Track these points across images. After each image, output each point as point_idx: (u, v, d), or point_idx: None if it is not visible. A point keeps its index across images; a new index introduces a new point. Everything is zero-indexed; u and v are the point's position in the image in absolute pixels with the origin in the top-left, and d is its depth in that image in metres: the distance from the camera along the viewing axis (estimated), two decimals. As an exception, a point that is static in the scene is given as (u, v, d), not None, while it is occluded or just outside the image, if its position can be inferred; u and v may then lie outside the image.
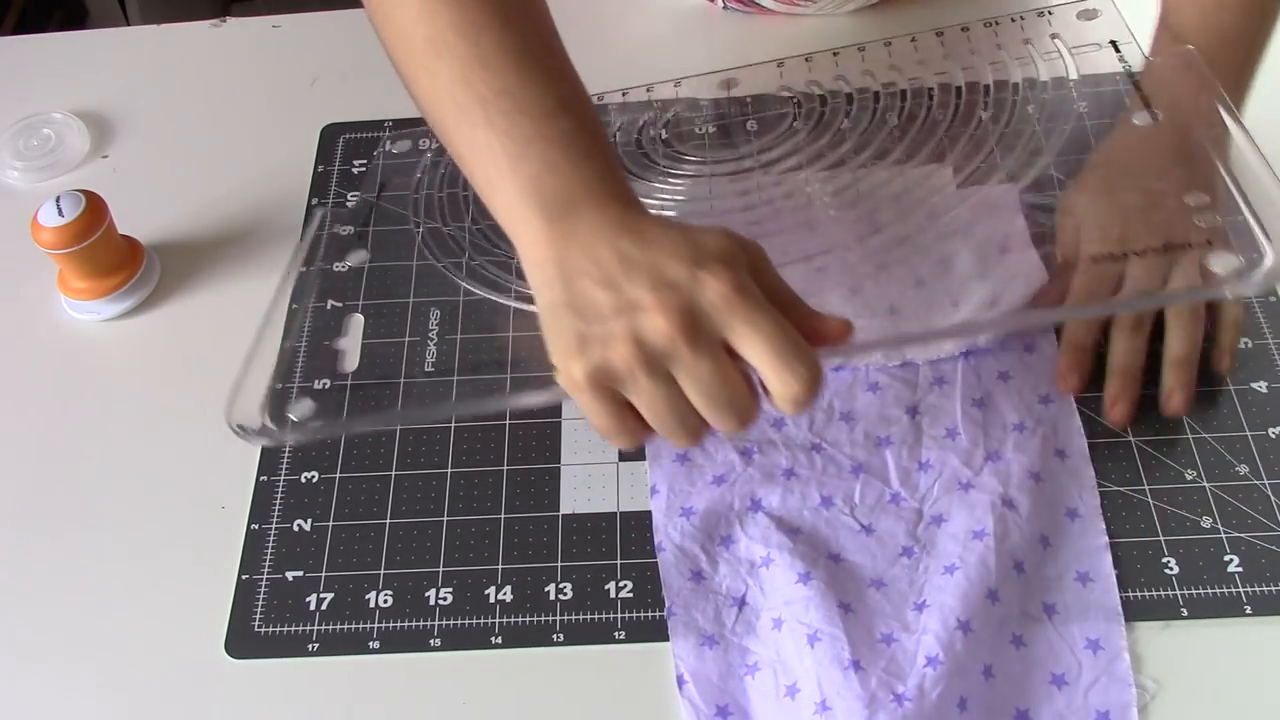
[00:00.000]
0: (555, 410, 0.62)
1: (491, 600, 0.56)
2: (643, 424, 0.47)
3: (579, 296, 0.46)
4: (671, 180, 0.70)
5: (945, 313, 0.63)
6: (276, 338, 0.61)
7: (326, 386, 0.63)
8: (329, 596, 0.56)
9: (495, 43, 0.51)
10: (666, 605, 0.55)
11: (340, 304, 0.67)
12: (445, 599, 0.56)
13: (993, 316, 0.59)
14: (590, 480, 0.59)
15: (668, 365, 0.45)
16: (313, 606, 0.56)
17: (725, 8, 0.81)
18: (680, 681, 0.52)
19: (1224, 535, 0.55)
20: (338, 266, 0.69)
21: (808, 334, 0.45)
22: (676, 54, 0.79)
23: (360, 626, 0.55)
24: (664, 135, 0.72)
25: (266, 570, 0.57)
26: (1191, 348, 0.59)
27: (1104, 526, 0.55)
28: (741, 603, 0.54)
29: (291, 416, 0.58)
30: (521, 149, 0.49)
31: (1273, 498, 0.56)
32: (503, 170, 0.50)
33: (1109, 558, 0.55)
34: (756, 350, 0.44)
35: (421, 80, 0.53)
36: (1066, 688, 0.51)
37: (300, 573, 0.57)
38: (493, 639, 0.55)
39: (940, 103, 0.71)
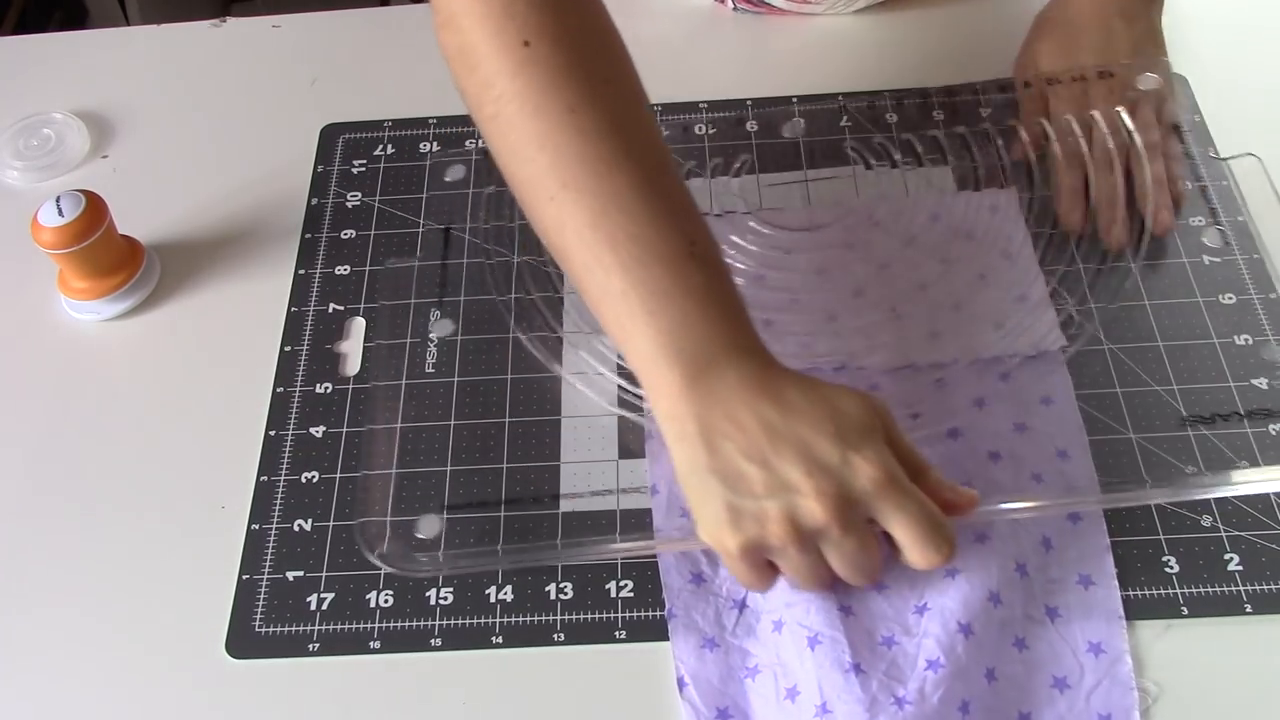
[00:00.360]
0: (555, 409, 0.62)
1: (492, 600, 0.56)
2: (776, 570, 0.51)
3: (726, 464, 0.48)
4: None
5: (945, 316, 0.63)
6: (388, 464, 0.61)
7: (328, 390, 0.64)
8: (329, 596, 0.56)
9: (627, 182, 0.51)
10: (667, 607, 0.54)
11: (341, 307, 0.67)
12: (446, 599, 0.56)
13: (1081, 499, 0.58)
14: (590, 478, 0.59)
15: (817, 540, 0.48)
16: (313, 606, 0.56)
17: (735, 9, 0.81)
18: (681, 684, 0.52)
19: (1224, 534, 0.55)
20: (339, 269, 0.69)
21: (941, 505, 0.49)
22: (687, 57, 0.79)
23: (360, 626, 0.55)
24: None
25: (267, 570, 0.57)
26: (1159, 172, 0.66)
27: (1105, 528, 0.55)
28: (742, 605, 0.54)
29: (419, 535, 0.58)
30: (658, 301, 0.49)
31: (1273, 496, 0.56)
32: (637, 320, 0.50)
33: (1111, 559, 0.55)
34: (903, 530, 0.48)
35: (547, 211, 0.52)
36: (1068, 691, 0.51)
37: (301, 573, 0.57)
38: (493, 639, 0.55)
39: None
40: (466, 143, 0.74)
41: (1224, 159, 0.69)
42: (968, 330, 0.62)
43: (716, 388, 0.49)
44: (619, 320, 0.50)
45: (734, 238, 0.67)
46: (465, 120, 0.75)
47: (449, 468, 0.60)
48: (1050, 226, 0.66)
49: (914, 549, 0.48)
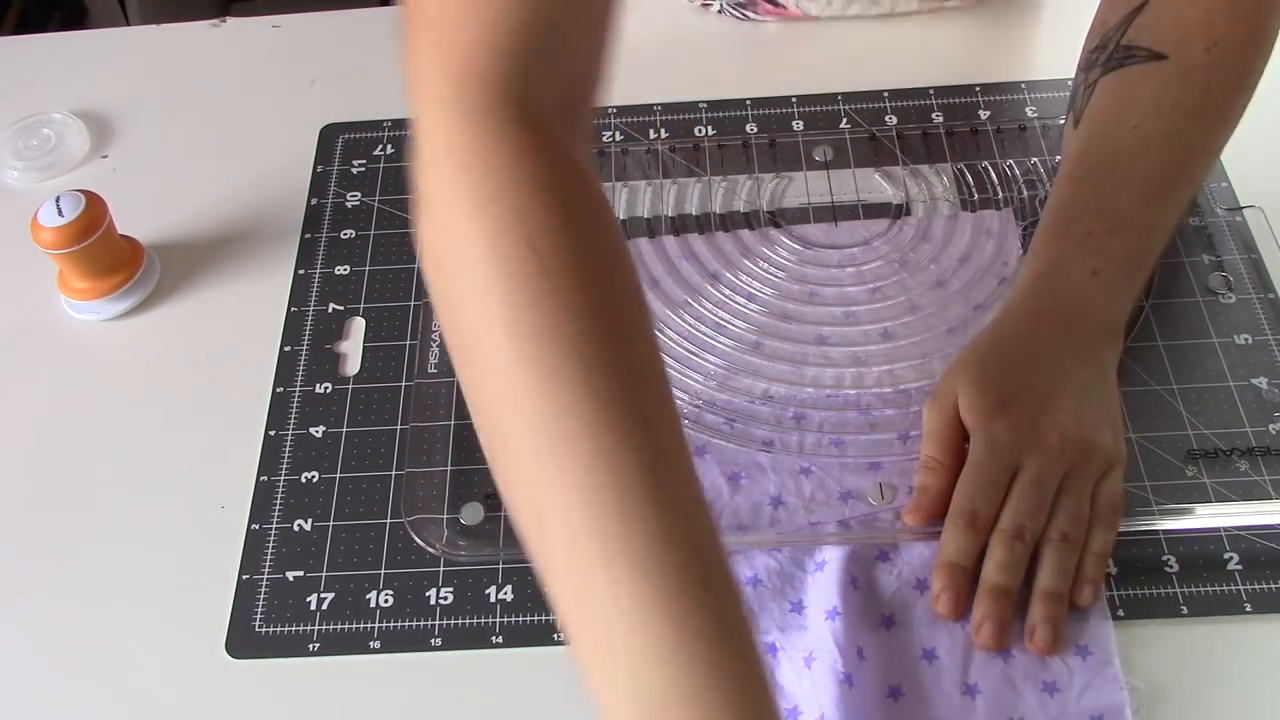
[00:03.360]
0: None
1: (492, 600, 0.56)
2: None
3: None
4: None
5: (937, 340, 0.63)
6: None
7: (328, 390, 0.64)
8: (329, 596, 0.56)
9: (634, 460, 0.38)
10: None
11: (341, 307, 0.67)
12: (446, 599, 0.56)
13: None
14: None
15: None
16: (313, 606, 0.56)
17: (720, 10, 0.81)
18: None
19: (1224, 534, 0.55)
20: (339, 270, 0.69)
21: None
22: (688, 57, 0.79)
23: (361, 626, 0.55)
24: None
25: (267, 570, 0.57)
26: (1064, 581, 0.52)
27: None
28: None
29: (462, 520, 0.58)
30: (646, 648, 0.37)
31: (1273, 495, 0.56)
32: (618, 664, 0.37)
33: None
34: None
35: (521, 467, 0.40)
36: (1058, 694, 0.51)
37: (301, 572, 0.57)
38: (493, 638, 0.55)
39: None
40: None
41: (1236, 207, 0.67)
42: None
43: None
44: (595, 648, 0.38)
45: (723, 254, 0.67)
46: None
47: (449, 467, 0.60)
48: None
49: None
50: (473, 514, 0.58)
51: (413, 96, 0.45)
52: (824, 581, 0.54)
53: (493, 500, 0.59)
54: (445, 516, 0.58)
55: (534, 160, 0.43)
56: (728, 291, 0.65)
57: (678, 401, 0.57)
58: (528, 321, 0.39)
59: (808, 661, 0.51)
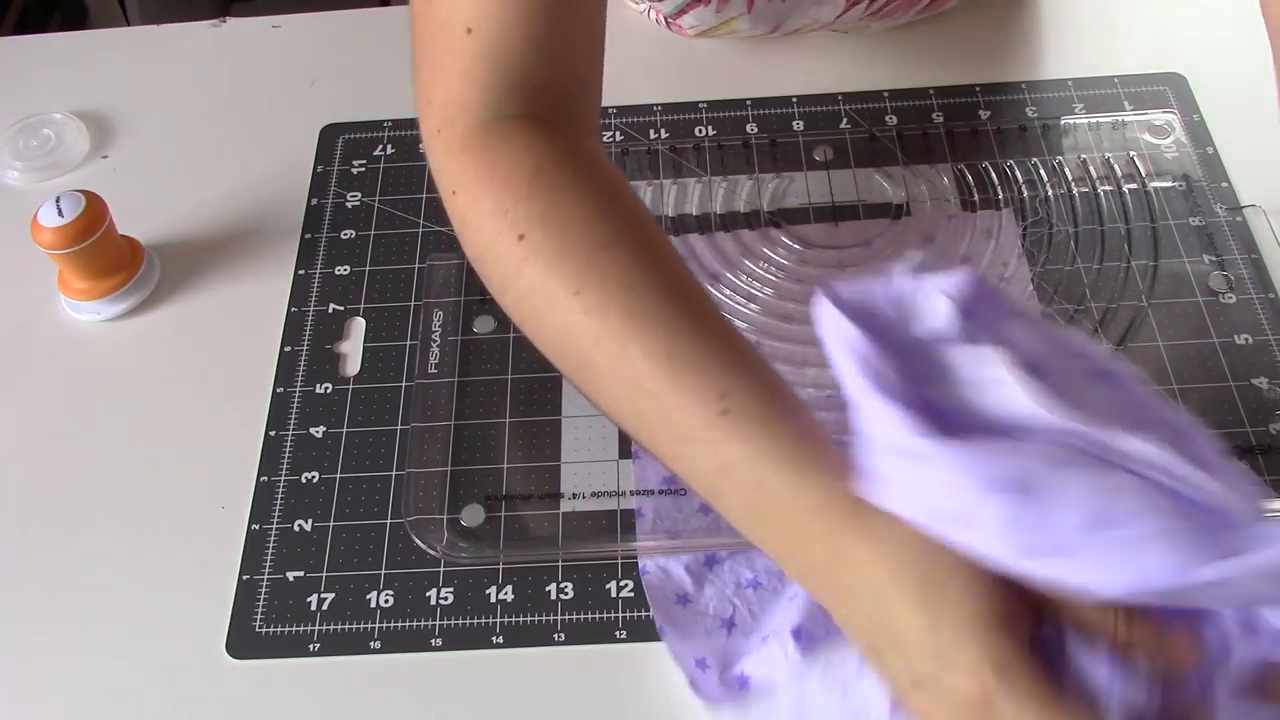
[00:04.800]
0: (555, 408, 0.62)
1: (492, 600, 0.56)
2: None
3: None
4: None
5: None
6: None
7: (328, 390, 0.64)
8: (330, 596, 0.56)
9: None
10: (658, 625, 0.54)
11: (341, 307, 0.67)
12: (446, 599, 0.56)
13: None
14: (591, 477, 0.59)
15: None
16: (313, 606, 0.56)
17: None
18: (690, 683, 0.52)
19: (1224, 534, 0.55)
20: (339, 270, 0.69)
21: None
22: (688, 57, 0.79)
23: (361, 626, 0.55)
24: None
25: (267, 570, 0.57)
26: None
27: None
28: (730, 624, 0.54)
29: (463, 521, 0.58)
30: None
31: (1273, 495, 0.56)
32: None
33: None
34: None
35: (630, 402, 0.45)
36: None
37: (301, 573, 0.57)
38: (493, 638, 0.55)
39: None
40: (466, 143, 0.74)
41: (1236, 207, 0.67)
42: None
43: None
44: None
45: (726, 256, 0.67)
46: (465, 120, 0.75)
47: (505, 465, 0.60)
48: (1051, 263, 0.65)
49: None
50: (473, 515, 0.58)
51: (422, 132, 0.51)
52: None
53: (493, 502, 0.59)
54: (445, 517, 0.58)
55: (542, 146, 0.48)
56: (728, 292, 0.65)
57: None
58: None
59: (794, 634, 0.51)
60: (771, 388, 0.44)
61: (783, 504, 0.42)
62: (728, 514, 0.44)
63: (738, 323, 0.64)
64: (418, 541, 0.57)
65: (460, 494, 0.59)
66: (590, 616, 0.55)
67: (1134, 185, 0.69)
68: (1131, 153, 0.70)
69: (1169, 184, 0.68)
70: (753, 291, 0.65)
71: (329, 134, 0.76)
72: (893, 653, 0.39)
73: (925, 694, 0.38)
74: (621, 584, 0.56)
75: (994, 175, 0.70)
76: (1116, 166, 0.69)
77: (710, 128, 0.74)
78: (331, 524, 0.59)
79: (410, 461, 0.60)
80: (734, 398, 0.42)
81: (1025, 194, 0.69)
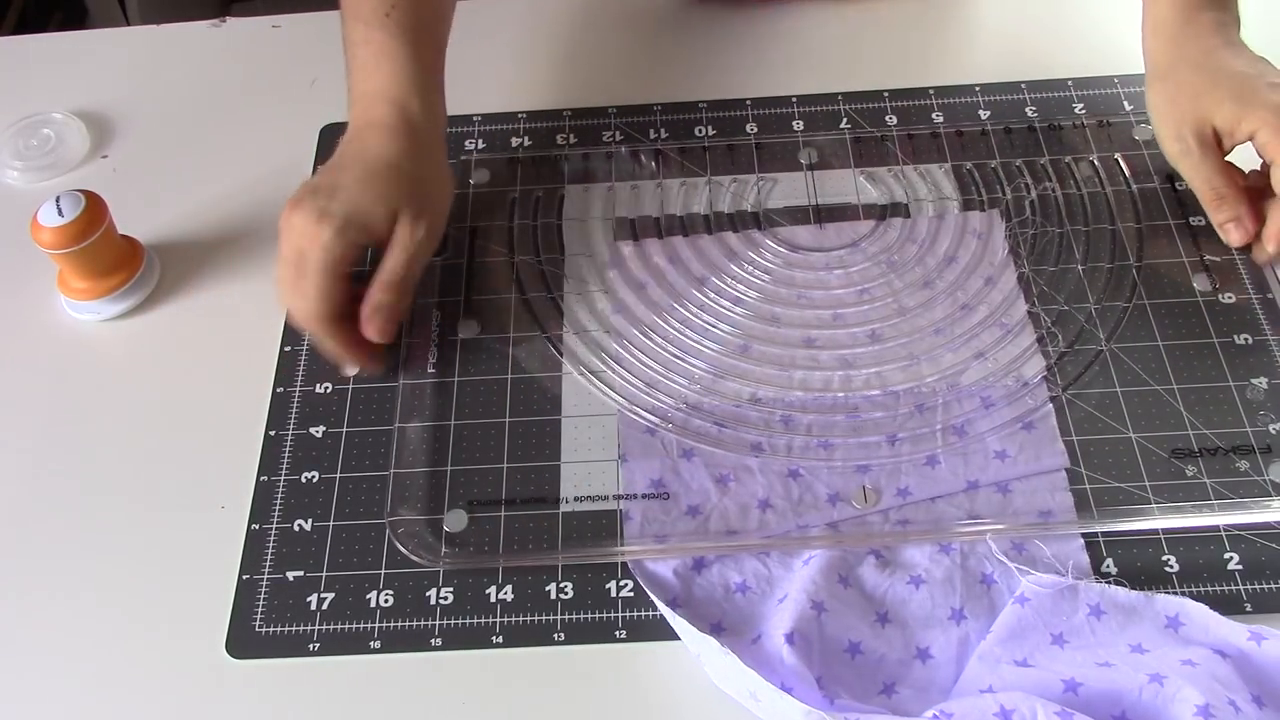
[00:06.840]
0: (555, 408, 0.62)
1: (492, 600, 0.56)
2: None
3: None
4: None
5: (925, 341, 0.63)
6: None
7: (328, 390, 0.63)
8: (329, 596, 0.56)
9: None
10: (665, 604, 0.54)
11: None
12: (446, 599, 0.56)
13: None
14: (590, 478, 0.59)
15: None
16: (313, 606, 0.56)
17: None
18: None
19: (1224, 533, 0.55)
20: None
21: None
22: (688, 57, 0.79)
23: (361, 626, 0.55)
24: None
25: (267, 570, 0.57)
26: None
27: (1078, 533, 0.56)
28: (719, 629, 0.53)
29: (446, 528, 0.58)
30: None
31: (1273, 494, 0.56)
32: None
33: (1085, 558, 0.55)
34: None
35: None
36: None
37: (301, 572, 0.57)
38: (493, 638, 0.55)
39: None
40: (466, 143, 0.74)
41: None
42: (947, 357, 0.62)
43: None
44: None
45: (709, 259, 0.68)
46: (464, 121, 0.75)
47: (449, 467, 0.60)
48: (1048, 263, 0.65)
49: None
50: (456, 521, 0.58)
51: None
52: (810, 573, 0.54)
53: (476, 506, 0.59)
54: (426, 518, 0.58)
55: None
56: (714, 295, 0.65)
57: (665, 406, 0.60)
58: None
59: (789, 638, 0.51)
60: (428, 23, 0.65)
61: (364, 78, 0.64)
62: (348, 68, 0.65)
63: (724, 326, 0.64)
64: (400, 547, 0.57)
65: (446, 496, 0.59)
66: (590, 617, 0.55)
67: (1119, 187, 0.69)
68: (1130, 153, 0.70)
69: (1163, 184, 0.69)
70: (739, 295, 0.65)
71: (329, 134, 0.76)
72: None
73: None
74: (621, 584, 0.56)
75: (994, 175, 0.70)
76: (1119, 165, 0.69)
77: (710, 128, 0.74)
78: (331, 524, 0.59)
79: (397, 463, 0.60)
80: (398, 11, 0.64)
81: (1024, 194, 0.68)
